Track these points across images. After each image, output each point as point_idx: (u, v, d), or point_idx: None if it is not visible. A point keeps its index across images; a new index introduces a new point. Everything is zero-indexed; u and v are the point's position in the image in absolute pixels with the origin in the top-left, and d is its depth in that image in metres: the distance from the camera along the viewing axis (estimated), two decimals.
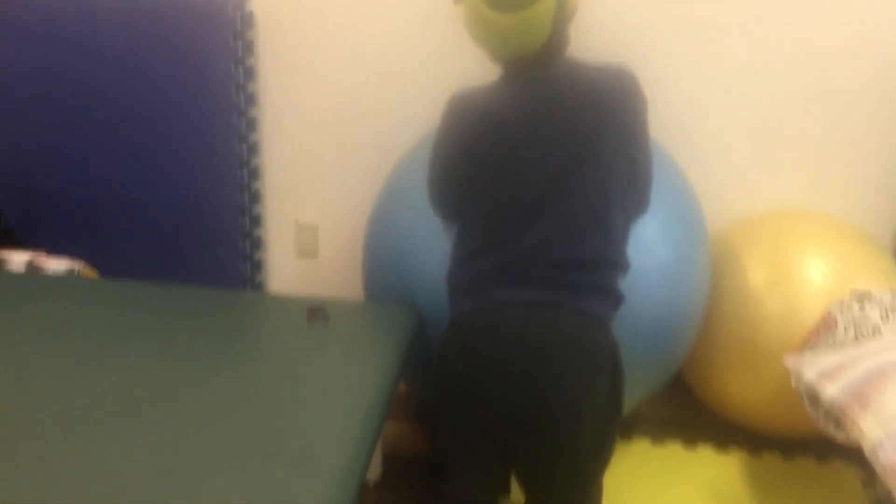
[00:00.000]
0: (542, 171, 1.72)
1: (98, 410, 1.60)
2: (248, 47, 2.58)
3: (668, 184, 2.08)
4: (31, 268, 2.38)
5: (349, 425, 1.59)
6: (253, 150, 2.68)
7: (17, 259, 2.40)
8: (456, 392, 1.73)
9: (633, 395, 1.96)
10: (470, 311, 1.73)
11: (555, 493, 1.76)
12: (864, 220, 2.44)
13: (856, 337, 1.88)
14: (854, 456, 2.24)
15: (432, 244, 2.02)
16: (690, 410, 2.44)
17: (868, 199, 2.47)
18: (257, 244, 2.80)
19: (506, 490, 1.88)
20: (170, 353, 1.84)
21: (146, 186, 2.69)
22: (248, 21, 2.55)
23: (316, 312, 1.99)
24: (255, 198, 2.74)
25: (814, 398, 1.81)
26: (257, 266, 2.81)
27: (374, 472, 2.12)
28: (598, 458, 1.76)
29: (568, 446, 1.69)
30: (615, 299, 1.76)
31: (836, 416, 1.72)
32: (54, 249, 2.54)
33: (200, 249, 2.74)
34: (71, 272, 2.39)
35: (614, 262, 1.76)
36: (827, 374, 1.74)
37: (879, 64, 2.34)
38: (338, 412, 1.63)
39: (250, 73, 2.61)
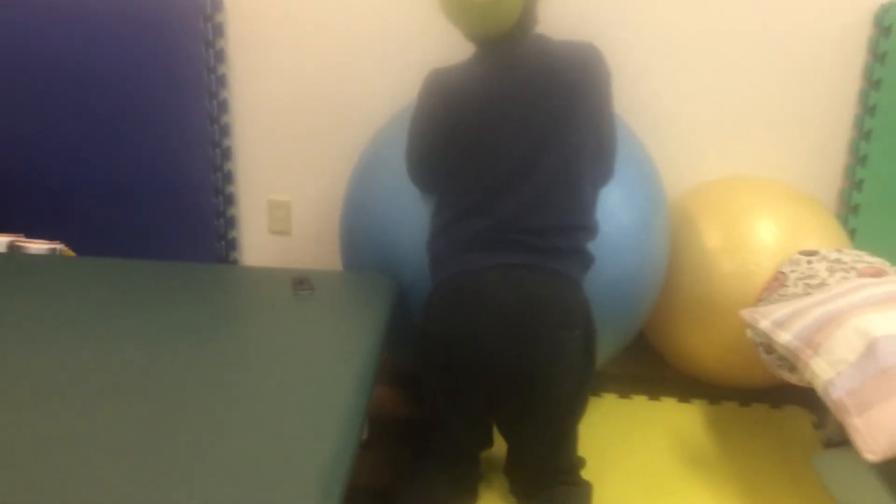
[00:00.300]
0: (516, 144, 1.83)
1: (86, 376, 1.63)
2: (218, 31, 2.63)
3: (629, 154, 2.18)
4: (13, 248, 2.42)
5: (343, 388, 1.63)
6: (224, 131, 2.74)
7: None
8: (441, 350, 1.83)
9: (602, 350, 2.07)
10: (451, 275, 1.84)
11: (535, 442, 1.88)
12: (810, 185, 2.57)
13: (805, 290, 2.02)
14: (806, 402, 2.39)
15: (410, 215, 2.09)
16: (654, 366, 2.57)
17: (814, 165, 2.59)
18: (231, 223, 2.86)
19: (490, 444, 1.99)
20: (159, 323, 1.87)
21: (120, 170, 2.73)
22: (217, 5, 2.61)
23: (301, 282, 2.08)
24: (228, 178, 2.80)
25: (768, 346, 1.95)
26: (231, 244, 2.88)
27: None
28: (574, 408, 1.89)
29: (545, 397, 1.81)
30: (586, 261, 1.88)
31: (790, 360, 1.87)
32: (30, 236, 2.58)
33: (175, 230, 2.80)
34: (52, 251, 2.44)
35: (584, 226, 1.88)
36: (780, 322, 1.88)
37: (821, 40, 2.47)
38: (331, 376, 1.68)
39: (220, 57, 2.66)
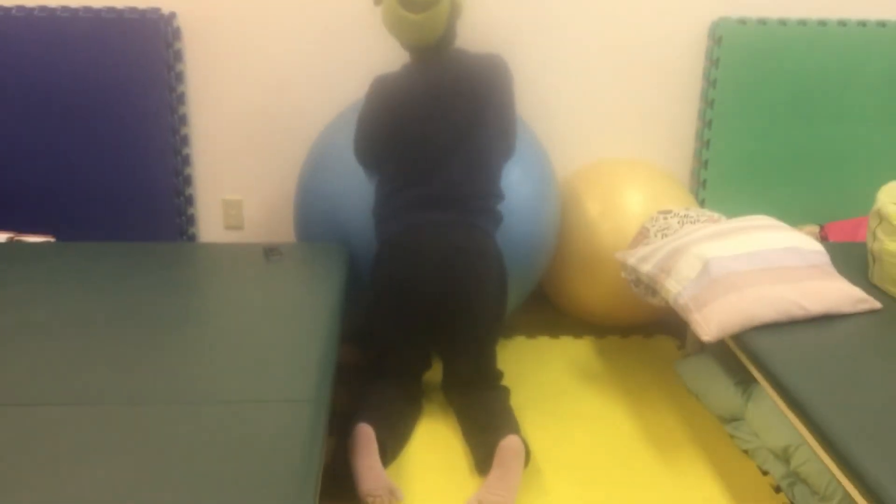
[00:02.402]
0: (443, 131, 2.37)
1: (98, 318, 2.06)
2: (177, 55, 3.09)
3: (526, 142, 2.73)
4: (12, 242, 2.83)
5: (319, 329, 2.06)
6: (184, 141, 3.17)
7: None
8: (389, 290, 2.36)
9: (511, 296, 2.63)
10: (395, 231, 2.37)
11: (464, 356, 2.41)
12: (667, 164, 3.22)
13: (662, 238, 2.63)
14: (671, 331, 3.02)
15: (354, 195, 2.59)
16: (552, 314, 3.16)
17: (671, 149, 3.23)
18: (191, 221, 3.29)
19: (429, 365, 2.52)
20: (158, 284, 2.29)
21: (95, 176, 3.11)
22: (176, 34, 3.06)
23: (271, 250, 2.57)
24: (187, 181, 3.24)
25: (636, 280, 2.55)
26: (192, 239, 3.31)
27: None
28: (492, 328, 2.43)
29: (471, 318, 2.35)
30: (497, 218, 2.44)
31: (651, 287, 2.47)
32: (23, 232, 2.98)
33: (141, 228, 3.19)
34: (47, 242, 2.85)
35: (494, 193, 2.44)
36: (643, 258, 2.48)
37: (671, 49, 3.12)
38: (308, 322, 2.10)
39: (179, 77, 3.11)
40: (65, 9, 2.99)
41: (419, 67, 2.43)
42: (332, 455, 2.26)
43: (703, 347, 2.67)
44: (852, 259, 2.53)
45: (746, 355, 2.13)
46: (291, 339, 2.02)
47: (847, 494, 1.89)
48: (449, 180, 2.36)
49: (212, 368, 1.87)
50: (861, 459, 1.61)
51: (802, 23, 3.07)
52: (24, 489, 1.44)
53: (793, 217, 3.10)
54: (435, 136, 2.36)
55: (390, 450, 2.23)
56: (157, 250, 2.63)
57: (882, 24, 3.10)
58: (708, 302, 2.21)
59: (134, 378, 1.82)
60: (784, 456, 2.15)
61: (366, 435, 2.15)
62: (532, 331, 3.06)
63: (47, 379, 1.80)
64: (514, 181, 2.64)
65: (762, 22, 3.06)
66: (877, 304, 2.24)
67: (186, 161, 3.22)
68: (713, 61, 3.08)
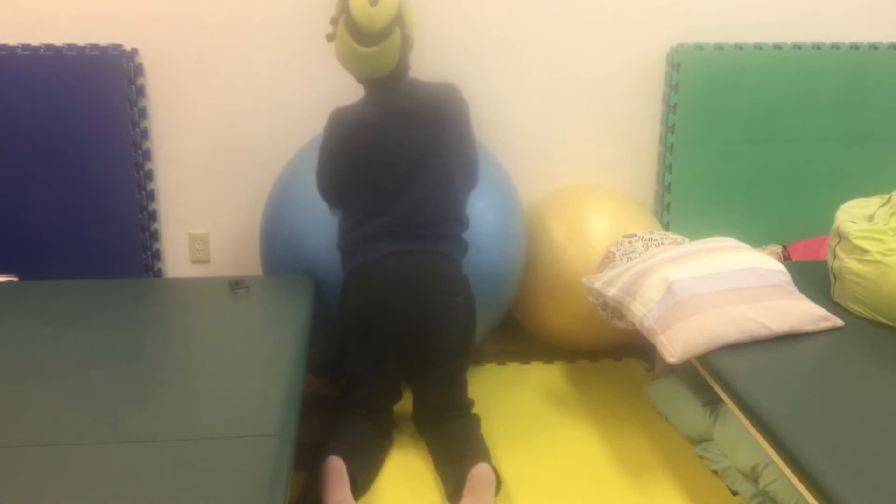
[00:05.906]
0: (402, 160, 2.39)
1: (62, 366, 2.04)
2: (140, 91, 3.09)
3: (491, 172, 2.76)
4: None
5: (285, 362, 2.05)
6: (148, 176, 3.17)
7: None
8: (357, 322, 2.36)
9: (481, 323, 2.63)
10: (361, 262, 2.37)
11: (434, 385, 2.41)
12: (632, 189, 3.26)
13: (627, 261, 2.65)
14: (640, 354, 3.04)
15: (322, 229, 2.60)
16: (522, 340, 3.17)
17: (634, 173, 3.27)
18: (157, 256, 3.28)
19: (399, 396, 2.51)
20: (118, 324, 2.28)
21: (59, 213, 3.11)
22: (138, 70, 3.07)
23: (237, 283, 2.57)
24: (153, 216, 3.24)
25: (603, 303, 2.57)
26: (158, 274, 3.30)
27: None
28: (461, 356, 2.43)
29: (439, 347, 2.35)
30: (462, 246, 2.46)
31: (618, 310, 2.48)
32: None
33: (106, 264, 3.18)
34: (10, 282, 2.83)
35: (459, 219, 2.45)
36: (609, 282, 2.50)
37: (632, 77, 3.17)
38: (274, 355, 2.09)
39: (142, 112, 3.11)
40: (25, 46, 2.98)
41: (374, 99, 2.44)
42: (302, 488, 2.25)
43: (671, 370, 2.69)
44: (814, 277, 2.57)
45: (712, 376, 2.15)
46: (257, 373, 2.00)
47: None
48: (410, 208, 2.37)
49: (177, 405, 1.85)
50: (826, 477, 1.62)
51: (759, 47, 3.13)
52: None
53: (756, 237, 3.15)
54: (393, 165, 2.37)
55: (361, 482, 2.21)
56: (123, 287, 2.61)
57: (836, 47, 3.16)
58: (672, 324, 2.22)
59: (96, 417, 1.79)
60: (753, 475, 2.16)
61: (336, 468, 2.14)
62: (502, 357, 3.07)
63: (8, 420, 1.78)
64: (480, 209, 2.66)
65: (719, 47, 3.12)
66: (839, 322, 2.27)
67: (151, 196, 3.22)
68: (672, 86, 3.13)
